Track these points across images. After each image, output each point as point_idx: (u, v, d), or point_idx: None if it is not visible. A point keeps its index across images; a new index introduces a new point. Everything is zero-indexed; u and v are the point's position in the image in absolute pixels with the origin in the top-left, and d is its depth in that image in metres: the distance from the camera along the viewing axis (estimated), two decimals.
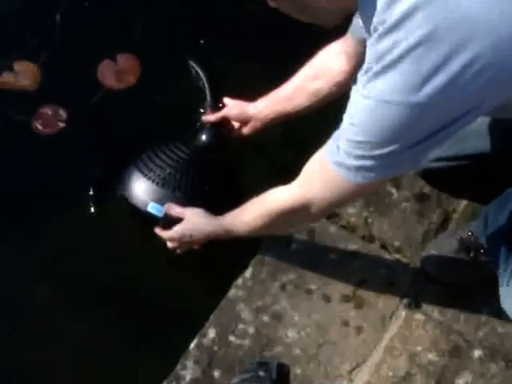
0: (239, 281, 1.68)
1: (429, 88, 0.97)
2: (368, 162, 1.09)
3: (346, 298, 1.64)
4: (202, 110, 1.84)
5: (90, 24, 2.17)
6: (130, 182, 1.74)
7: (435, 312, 1.63)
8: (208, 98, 1.83)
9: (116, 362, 1.71)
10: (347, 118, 1.11)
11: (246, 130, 1.76)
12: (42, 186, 1.95)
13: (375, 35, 1.00)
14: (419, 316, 1.62)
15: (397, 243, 1.72)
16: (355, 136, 1.09)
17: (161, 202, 1.67)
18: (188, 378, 1.57)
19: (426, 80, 0.96)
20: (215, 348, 1.60)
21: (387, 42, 0.98)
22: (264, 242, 1.71)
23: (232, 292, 1.66)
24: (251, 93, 1.77)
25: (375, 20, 1.00)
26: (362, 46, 1.35)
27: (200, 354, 1.60)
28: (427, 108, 0.99)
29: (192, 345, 1.61)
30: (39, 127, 2.05)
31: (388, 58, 0.98)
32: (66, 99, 2.06)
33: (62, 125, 2.06)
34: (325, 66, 1.58)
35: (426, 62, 0.95)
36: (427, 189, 1.78)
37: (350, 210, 1.77)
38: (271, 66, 2.03)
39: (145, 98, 2.08)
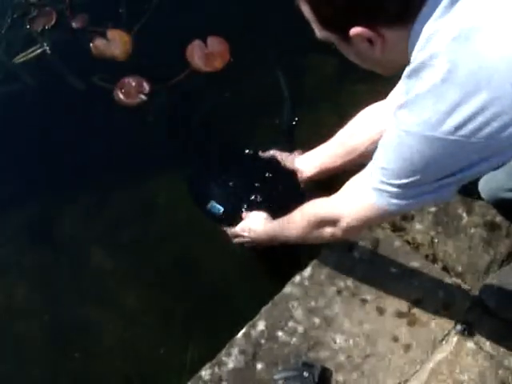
0: (297, 279, 1.73)
1: (447, 125, 1.07)
2: (391, 189, 1.20)
3: (399, 314, 1.67)
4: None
5: (187, 2, 2.27)
6: (201, 178, 1.91)
7: (488, 344, 1.65)
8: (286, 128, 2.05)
9: (164, 337, 1.81)
10: (379, 144, 1.23)
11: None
12: (112, 155, 2.05)
13: (407, 71, 1.12)
14: (471, 345, 1.64)
15: (459, 268, 1.75)
16: (380, 162, 1.21)
17: (222, 203, 1.85)
18: (231, 365, 1.63)
19: (443, 117, 1.07)
20: (262, 341, 1.65)
21: (414, 79, 1.10)
22: (327, 245, 1.76)
23: (288, 289, 1.71)
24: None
25: (411, 57, 1.12)
26: None
27: (246, 344, 1.65)
28: (444, 145, 1.09)
29: (240, 334, 1.66)
30: (121, 96, 2.14)
31: (413, 93, 1.09)
32: (152, 73, 2.16)
33: (143, 97, 2.15)
34: (362, 123, 1.73)
35: (444, 101, 1.06)
36: (499, 218, 1.81)
37: (417, 226, 1.80)
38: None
39: (228, 85, 2.16)
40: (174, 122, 2.12)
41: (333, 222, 1.42)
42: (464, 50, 1.04)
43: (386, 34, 1.10)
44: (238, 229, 1.82)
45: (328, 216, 1.43)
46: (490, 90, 1.04)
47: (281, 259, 1.87)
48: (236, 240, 1.84)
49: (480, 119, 1.05)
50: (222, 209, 1.85)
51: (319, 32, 1.19)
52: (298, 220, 1.55)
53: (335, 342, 1.65)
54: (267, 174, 1.92)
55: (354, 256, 1.75)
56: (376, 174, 1.23)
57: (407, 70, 1.12)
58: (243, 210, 1.86)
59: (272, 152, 1.98)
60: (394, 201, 1.22)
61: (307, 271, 1.74)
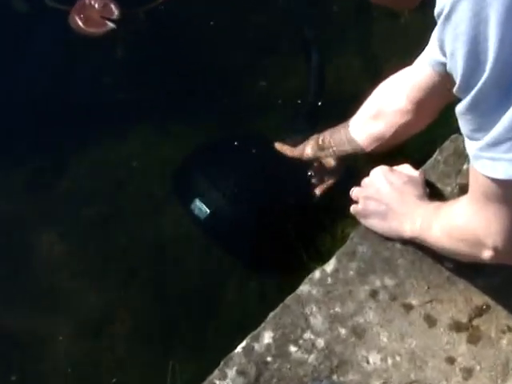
0: (316, 275, 1.59)
1: None
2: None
3: (457, 326, 1.54)
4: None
5: None
6: (189, 168, 1.91)
7: None
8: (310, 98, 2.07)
9: (136, 353, 1.74)
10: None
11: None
12: (68, 103, 1.99)
13: None
14: None
15: None
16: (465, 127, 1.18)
17: (209, 204, 1.84)
18: None
19: None
20: (268, 358, 1.53)
21: None
22: (360, 229, 1.65)
23: (304, 288, 1.58)
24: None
25: None
26: (436, 74, 1.57)
27: (247, 362, 1.53)
28: None
29: (238, 348, 1.54)
30: (80, 23, 2.07)
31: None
32: None
33: (111, 25, 2.09)
34: (384, 104, 1.76)
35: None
36: None
37: None
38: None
39: (223, 11, 2.10)
40: (150, 58, 2.07)
41: (484, 245, 1.32)
42: None
43: None
44: (373, 182, 1.65)
45: (474, 239, 1.34)
46: None
47: (294, 247, 1.77)
48: (355, 193, 1.67)
49: None
50: (207, 211, 1.82)
51: None
52: (444, 229, 1.45)
53: (368, 362, 1.53)
54: (274, 171, 1.94)
55: (395, 245, 1.62)
56: (474, 148, 1.17)
57: None
58: (237, 216, 1.87)
59: (280, 145, 2.00)
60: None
61: (331, 265, 1.61)
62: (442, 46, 1.13)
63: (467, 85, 1.09)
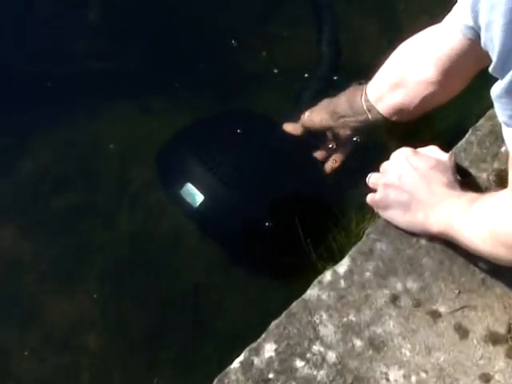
0: (326, 276, 1.55)
1: None
2: None
3: (494, 338, 1.49)
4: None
5: None
6: (177, 148, 1.90)
7: None
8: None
9: (113, 369, 1.70)
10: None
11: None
12: (33, 72, 1.96)
13: None
14: None
15: None
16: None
17: (203, 190, 1.83)
18: None
19: None
20: (270, 375, 1.47)
21: None
22: (378, 223, 1.61)
23: (312, 292, 1.54)
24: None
25: None
26: (467, 41, 1.48)
27: (245, 379, 1.47)
28: None
29: (235, 363, 1.49)
30: None
31: None
32: None
33: None
34: (407, 72, 1.72)
35: None
36: None
37: None
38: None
39: None
40: (130, 22, 2.05)
41: None
42: None
43: None
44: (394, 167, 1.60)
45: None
46: None
47: (301, 244, 1.73)
48: (373, 179, 1.64)
49: None
50: (201, 197, 1.81)
51: None
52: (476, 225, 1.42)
53: (388, 380, 1.47)
54: (277, 151, 1.92)
55: (419, 242, 1.58)
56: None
57: None
58: (235, 205, 1.87)
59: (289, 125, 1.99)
60: None
61: (344, 265, 1.56)
62: (475, 17, 1.12)
63: (505, 62, 1.07)
